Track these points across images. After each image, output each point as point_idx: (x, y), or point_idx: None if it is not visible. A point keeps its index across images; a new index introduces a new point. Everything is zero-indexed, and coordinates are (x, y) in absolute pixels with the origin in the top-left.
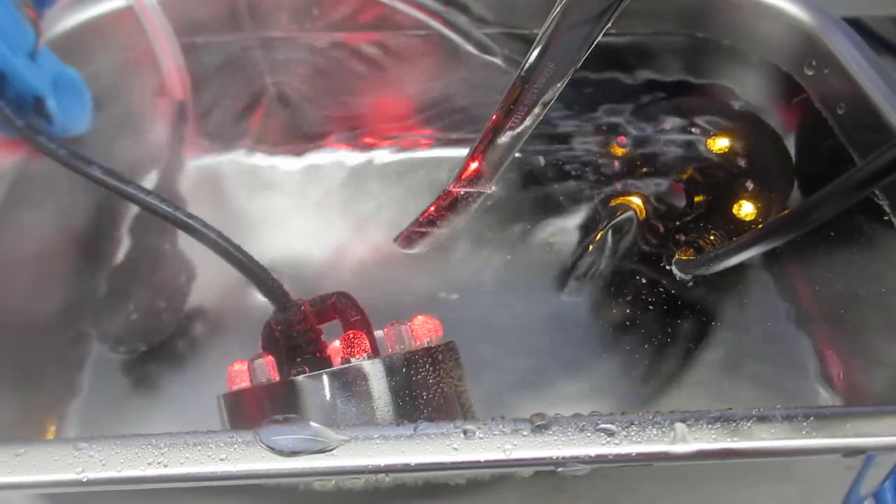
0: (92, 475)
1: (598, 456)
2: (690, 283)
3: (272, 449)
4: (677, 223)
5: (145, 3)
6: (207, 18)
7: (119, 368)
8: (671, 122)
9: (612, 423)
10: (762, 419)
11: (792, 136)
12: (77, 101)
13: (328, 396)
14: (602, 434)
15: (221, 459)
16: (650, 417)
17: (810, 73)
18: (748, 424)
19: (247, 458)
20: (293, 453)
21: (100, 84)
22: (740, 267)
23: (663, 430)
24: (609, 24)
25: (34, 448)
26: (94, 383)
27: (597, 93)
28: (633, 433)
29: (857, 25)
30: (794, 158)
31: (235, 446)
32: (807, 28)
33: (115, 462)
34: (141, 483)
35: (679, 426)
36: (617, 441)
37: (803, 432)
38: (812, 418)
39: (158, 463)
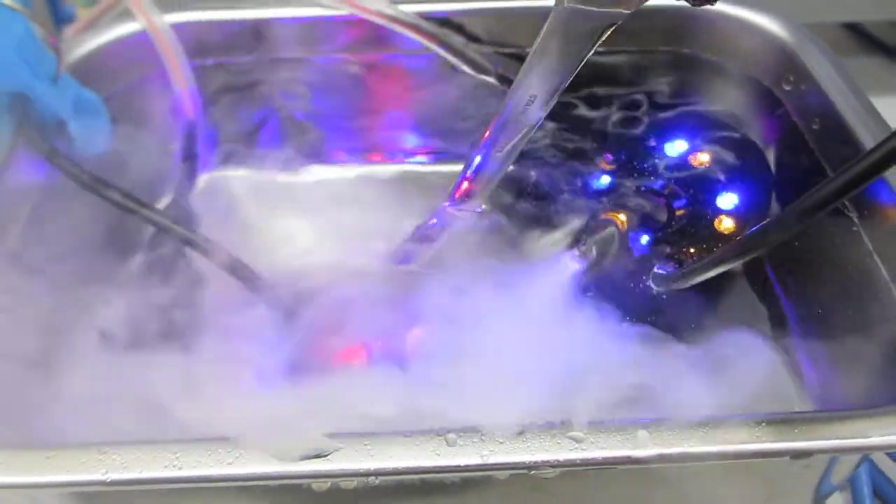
0: (115, 476)
1: (566, 460)
2: (665, 296)
3: (276, 457)
4: (659, 236)
5: (158, 27)
6: (217, 41)
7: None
8: (655, 136)
9: (580, 431)
10: (718, 425)
11: (772, 149)
12: (96, 123)
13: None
14: (571, 441)
15: (229, 464)
16: (615, 424)
17: (788, 87)
18: (704, 430)
19: (252, 462)
20: (296, 458)
21: (116, 105)
22: (718, 278)
23: (626, 436)
24: (586, 59)
25: (63, 452)
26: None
27: (585, 107)
28: (599, 439)
29: (855, 29)
30: (773, 171)
31: (242, 451)
32: (785, 45)
33: (136, 465)
34: (159, 483)
35: (641, 433)
36: (584, 447)
37: (756, 436)
38: (764, 424)
39: (174, 466)
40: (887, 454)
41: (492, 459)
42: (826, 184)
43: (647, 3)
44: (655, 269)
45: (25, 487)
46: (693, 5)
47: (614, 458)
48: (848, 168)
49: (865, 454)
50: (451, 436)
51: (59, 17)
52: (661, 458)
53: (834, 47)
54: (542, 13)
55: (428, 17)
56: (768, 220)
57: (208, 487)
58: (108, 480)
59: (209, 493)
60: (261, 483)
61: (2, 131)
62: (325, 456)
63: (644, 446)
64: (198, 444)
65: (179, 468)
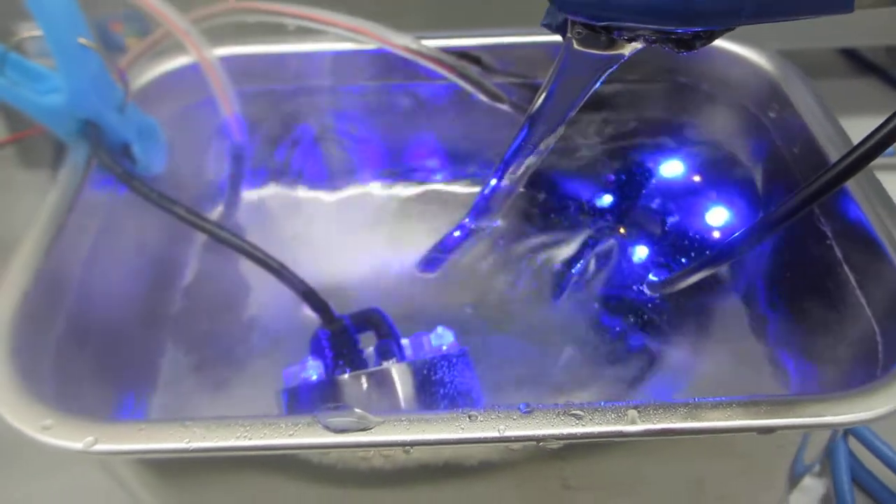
0: (195, 444)
1: (568, 434)
2: (658, 299)
3: (327, 428)
4: (653, 248)
5: (208, 59)
6: (260, 72)
7: (188, 371)
8: (652, 157)
9: (580, 410)
10: (696, 406)
11: (759, 171)
12: (155, 146)
13: (364, 391)
14: (572, 418)
15: (290, 435)
16: (610, 405)
17: (773, 115)
18: (685, 410)
19: (309, 434)
20: (343, 431)
21: (171, 129)
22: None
23: (619, 414)
24: (592, 91)
25: (152, 425)
26: (167, 384)
27: (589, 133)
28: (596, 417)
29: (850, 54)
30: (759, 191)
31: (300, 425)
32: (770, 76)
33: (212, 435)
34: (231, 451)
35: (631, 412)
36: (583, 423)
37: (727, 415)
38: (735, 405)
39: (245, 437)
40: (865, 445)
41: (507, 433)
42: (786, 201)
43: None
44: (649, 277)
45: (122, 454)
46: (678, 53)
47: (608, 432)
48: (802, 188)
49: (833, 433)
50: (474, 413)
51: (107, 46)
52: (647, 433)
53: (830, 70)
54: (551, 47)
55: (448, 50)
56: (741, 231)
57: (271, 455)
58: (191, 448)
59: (272, 461)
60: (316, 452)
61: (78, 154)
62: (370, 429)
63: (633, 423)
64: (263, 419)
65: (249, 438)
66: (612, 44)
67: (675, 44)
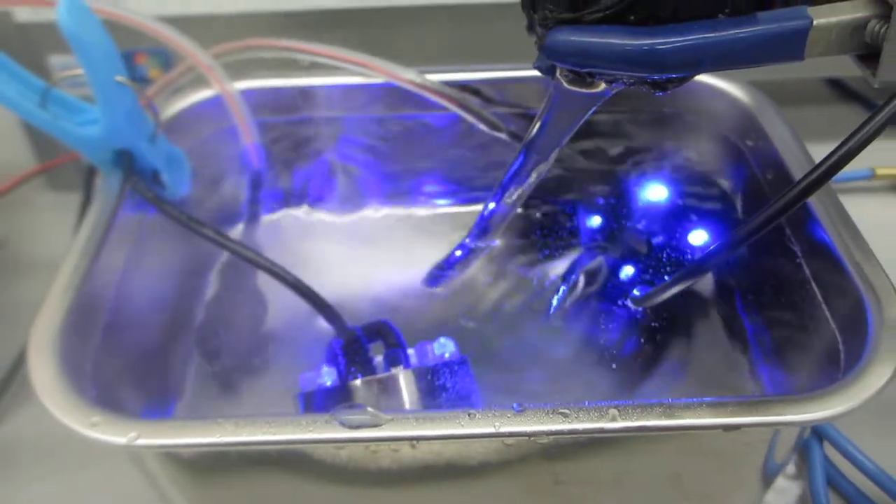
0: (225, 439)
1: (556, 430)
2: (642, 313)
3: (343, 424)
4: (638, 266)
5: (230, 92)
6: (277, 103)
7: (212, 377)
8: (639, 182)
9: (566, 409)
10: (670, 406)
11: (739, 195)
12: (181, 172)
13: (374, 394)
14: (560, 416)
15: (310, 430)
16: (593, 405)
17: (750, 143)
18: (661, 409)
19: (327, 430)
20: (357, 427)
21: (195, 156)
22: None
23: (601, 413)
24: (582, 122)
25: (187, 422)
26: (194, 388)
27: (582, 158)
28: (581, 415)
29: (835, 83)
30: (739, 213)
31: (318, 422)
32: (747, 108)
33: (240, 431)
34: (257, 445)
35: (612, 411)
36: (569, 421)
37: (697, 414)
38: (705, 405)
39: (270, 432)
40: (839, 450)
41: (502, 429)
42: (748, 222)
43: None
44: (633, 292)
45: (160, 448)
46: (654, 93)
47: (591, 428)
48: (762, 210)
49: (800, 433)
50: (473, 412)
51: (132, 76)
52: (626, 430)
53: (818, 98)
54: (544, 81)
55: (450, 83)
56: (711, 248)
57: (291, 453)
58: (222, 442)
59: (291, 459)
60: (333, 445)
61: (113, 180)
62: (381, 425)
63: (614, 420)
64: (286, 417)
65: (274, 434)
66: (595, 84)
67: (651, 86)
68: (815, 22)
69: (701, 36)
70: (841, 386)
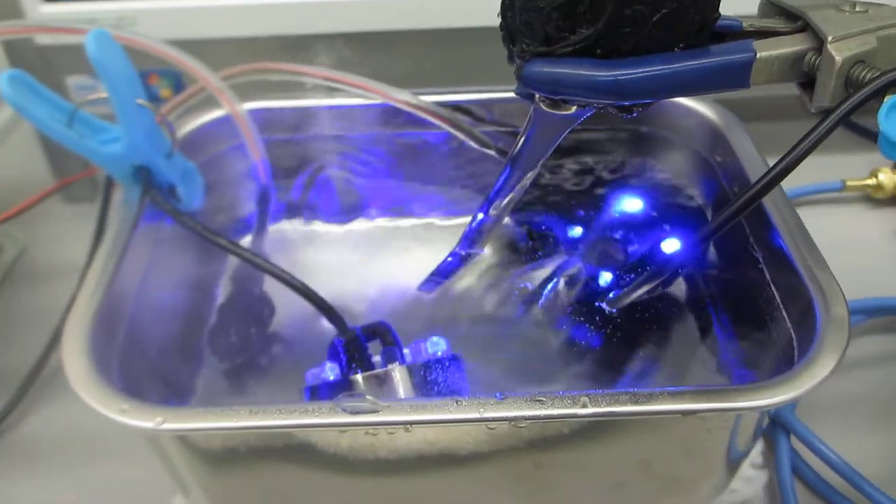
0: (241, 423)
1: (533, 415)
2: (619, 314)
3: (345, 410)
4: (615, 272)
5: (240, 112)
6: (282, 122)
7: (222, 375)
8: (616, 195)
9: (543, 397)
10: (635, 394)
11: (709, 207)
12: (195, 186)
13: (373, 388)
14: (537, 403)
15: (316, 416)
16: (567, 394)
17: (719, 159)
18: (626, 397)
19: (331, 415)
20: (357, 413)
21: (207, 171)
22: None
23: (574, 401)
24: (561, 139)
25: (206, 409)
26: (205, 386)
27: (563, 174)
28: (556, 402)
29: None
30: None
31: (324, 409)
32: (716, 126)
33: (255, 417)
34: (268, 429)
35: (583, 398)
36: (546, 407)
37: (658, 401)
38: (666, 393)
39: (281, 417)
40: (804, 442)
41: (486, 414)
42: (703, 229)
43: None
44: (609, 295)
45: (184, 431)
46: (622, 116)
47: (564, 414)
48: (714, 217)
49: (759, 421)
50: (460, 399)
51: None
52: (595, 415)
53: (797, 114)
54: (529, 102)
55: (442, 104)
56: (673, 251)
57: (298, 442)
58: (241, 426)
59: (298, 448)
60: (337, 429)
61: (133, 194)
62: (378, 411)
63: (584, 406)
64: (296, 405)
65: (286, 418)
66: (569, 107)
67: (618, 109)
68: (759, 54)
69: (658, 68)
70: (787, 376)
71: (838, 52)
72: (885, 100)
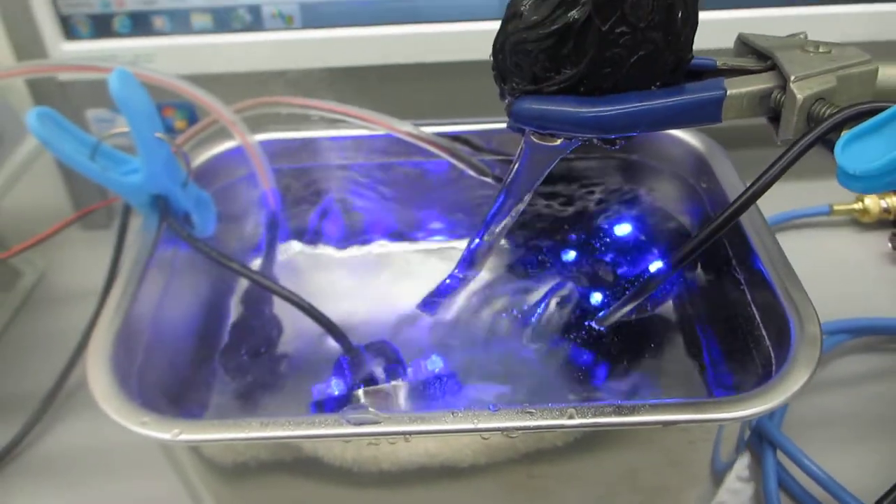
0: (253, 434)
1: (524, 426)
2: (608, 332)
3: (349, 421)
4: (605, 293)
5: (250, 143)
6: (290, 152)
7: (235, 391)
8: (607, 219)
9: (533, 409)
10: (620, 407)
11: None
12: (208, 213)
13: (375, 402)
14: (528, 414)
15: (322, 427)
16: (556, 406)
17: (704, 185)
18: (610, 409)
19: (336, 426)
20: (360, 423)
21: (220, 200)
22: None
23: (561, 413)
24: (552, 167)
25: (220, 422)
26: (219, 400)
27: (554, 199)
28: (545, 414)
29: None
30: None
31: (329, 421)
32: (701, 155)
33: (266, 428)
34: (279, 439)
35: (570, 410)
36: (535, 418)
37: (640, 414)
38: (648, 406)
39: (290, 428)
40: (790, 457)
41: (480, 425)
42: (685, 244)
43: None
44: (598, 315)
45: (199, 443)
46: (606, 147)
47: (553, 424)
48: (691, 238)
49: (740, 432)
50: (456, 411)
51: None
52: (581, 426)
53: (771, 139)
54: None
55: (442, 134)
56: (654, 271)
57: (306, 450)
58: (253, 437)
59: (304, 460)
60: (342, 439)
61: (151, 221)
62: (380, 423)
63: (571, 418)
64: (304, 417)
65: (294, 429)
66: (557, 140)
67: (602, 141)
68: (729, 92)
69: (636, 105)
70: (762, 389)
71: (800, 91)
72: (843, 134)
